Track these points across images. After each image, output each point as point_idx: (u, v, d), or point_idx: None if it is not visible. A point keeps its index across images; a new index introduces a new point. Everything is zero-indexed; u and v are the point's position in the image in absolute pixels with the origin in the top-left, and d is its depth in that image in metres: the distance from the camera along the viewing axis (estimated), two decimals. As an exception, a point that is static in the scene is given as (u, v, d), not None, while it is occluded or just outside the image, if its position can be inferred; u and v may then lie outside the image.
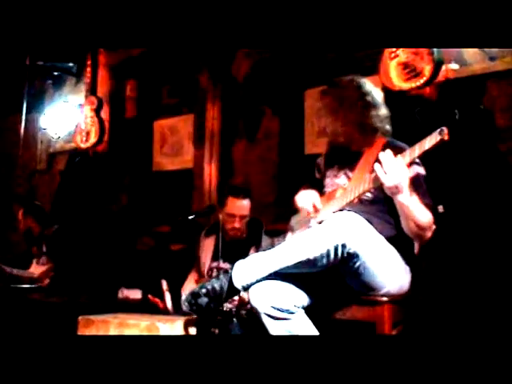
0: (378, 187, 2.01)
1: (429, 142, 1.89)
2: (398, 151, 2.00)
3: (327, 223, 1.94)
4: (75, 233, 4.25)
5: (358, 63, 3.67)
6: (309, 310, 2.01)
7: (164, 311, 3.20)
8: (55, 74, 5.23)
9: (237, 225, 3.11)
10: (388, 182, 1.91)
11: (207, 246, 3.25)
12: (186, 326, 2.57)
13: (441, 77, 3.10)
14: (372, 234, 1.98)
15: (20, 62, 4.74)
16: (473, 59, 3.10)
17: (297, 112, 3.96)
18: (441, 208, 2.92)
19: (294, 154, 3.99)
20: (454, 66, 3.13)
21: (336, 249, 1.87)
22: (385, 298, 2.00)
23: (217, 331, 2.23)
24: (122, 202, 4.96)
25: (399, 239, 2.10)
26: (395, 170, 1.90)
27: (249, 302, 1.96)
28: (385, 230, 2.10)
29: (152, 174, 4.94)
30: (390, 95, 3.30)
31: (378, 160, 1.95)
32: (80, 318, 2.44)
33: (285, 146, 4.09)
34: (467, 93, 3.08)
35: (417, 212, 1.99)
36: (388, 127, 2.28)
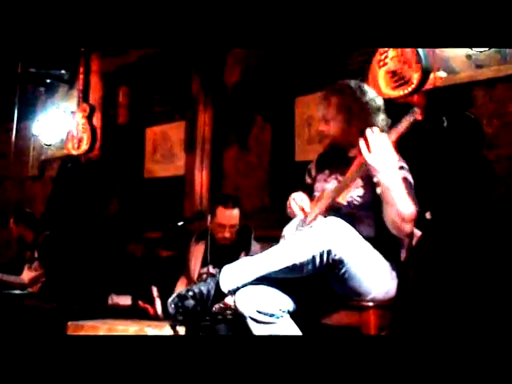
0: (365, 173, 2.05)
1: (403, 124, 1.99)
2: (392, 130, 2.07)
3: (313, 229, 1.96)
4: (66, 239, 4.26)
5: (348, 71, 3.70)
6: (295, 315, 2.03)
7: (154, 317, 3.22)
8: (48, 81, 5.25)
9: (227, 234, 3.13)
10: (371, 158, 1.96)
11: (197, 252, 3.26)
12: (175, 331, 2.58)
13: (429, 85, 3.14)
14: (357, 241, 2.00)
15: (11, 69, 4.75)
16: (460, 67, 3.13)
17: (287, 119, 3.98)
18: (428, 214, 2.96)
19: (284, 160, 4.01)
20: (442, 73, 3.16)
21: (322, 255, 1.89)
22: (370, 304, 2.02)
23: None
24: (114, 208, 4.97)
25: (386, 245, 2.12)
26: (379, 146, 1.94)
27: (232, 307, 1.98)
28: (372, 235, 2.12)
29: (144, 181, 4.95)
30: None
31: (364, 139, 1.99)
32: (69, 323, 2.45)
33: (275, 152, 4.11)
34: (455, 100, 3.12)
35: (400, 199, 1.99)
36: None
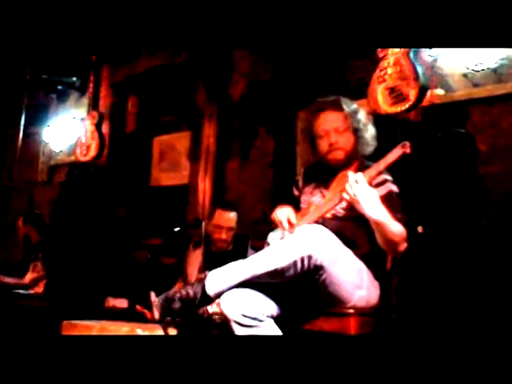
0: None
1: (392, 156, 2.01)
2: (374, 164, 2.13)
3: (294, 235, 2.02)
4: (70, 242, 4.35)
5: (348, 87, 3.78)
6: (278, 320, 2.08)
7: (151, 321, 3.28)
8: (59, 87, 5.37)
9: (223, 236, 3.22)
10: (347, 196, 2.03)
11: (194, 258, 3.34)
12: (165, 329, 2.64)
13: (426, 102, 3.20)
14: (338, 247, 2.06)
15: (21, 75, 4.88)
16: (457, 85, 3.19)
17: (290, 132, 4.06)
18: (420, 229, 3.01)
19: (286, 172, 4.08)
20: (440, 91, 3.23)
21: (302, 260, 1.94)
22: (351, 310, 2.07)
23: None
24: (120, 214, 5.06)
25: (370, 254, 2.18)
26: (355, 185, 2.00)
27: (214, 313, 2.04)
28: (357, 245, 2.18)
29: (149, 189, 5.04)
30: (378, 119, 3.42)
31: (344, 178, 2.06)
32: (64, 322, 2.53)
33: (278, 164, 4.18)
34: (451, 117, 3.17)
35: (389, 227, 2.06)
36: (372, 149, 2.36)
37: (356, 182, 2.01)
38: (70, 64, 5.06)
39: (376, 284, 2.19)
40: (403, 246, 2.14)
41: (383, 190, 2.17)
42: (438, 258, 2.93)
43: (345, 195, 2.06)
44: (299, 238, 1.98)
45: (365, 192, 2.02)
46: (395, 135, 3.23)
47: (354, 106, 2.38)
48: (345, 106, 2.32)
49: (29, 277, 4.19)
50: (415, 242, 2.86)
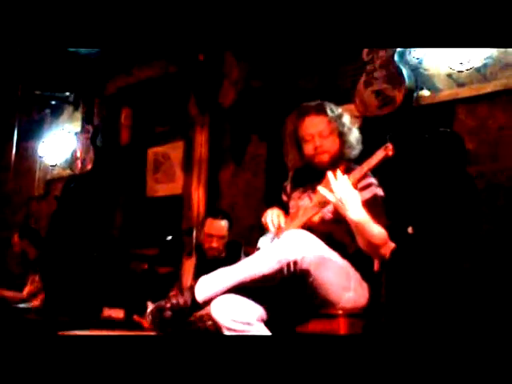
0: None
1: (375, 158, 2.04)
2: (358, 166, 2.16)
3: (280, 241, 2.05)
4: (67, 255, 4.38)
5: (338, 91, 3.81)
6: (269, 324, 2.11)
7: (148, 331, 3.30)
8: (53, 102, 5.42)
9: (214, 244, 3.25)
10: (332, 198, 2.05)
11: (189, 266, 3.37)
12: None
13: (412, 103, 3.24)
14: (324, 251, 2.09)
15: (13, 92, 4.93)
16: (442, 86, 3.22)
17: (282, 139, 4.08)
18: (410, 229, 3.03)
19: (279, 178, 4.09)
20: (426, 92, 3.26)
21: (288, 266, 1.97)
22: (340, 312, 2.09)
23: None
24: (116, 225, 5.09)
25: (357, 256, 2.20)
26: (340, 187, 2.02)
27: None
28: (345, 247, 2.21)
29: (146, 200, 5.08)
30: (366, 121, 3.46)
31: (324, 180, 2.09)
32: (59, 333, 2.55)
33: (271, 171, 4.20)
34: (437, 118, 3.20)
35: (369, 231, 2.09)
36: (357, 152, 2.38)
37: (340, 183, 2.04)
38: (62, 79, 5.10)
39: (364, 285, 2.21)
40: (385, 250, 2.16)
41: (368, 193, 2.21)
42: (428, 259, 2.95)
43: (328, 196, 2.08)
44: (285, 244, 2.01)
45: (348, 193, 2.05)
46: (383, 138, 3.28)
47: (339, 110, 2.42)
48: (328, 111, 2.35)
49: (27, 290, 4.21)
50: (405, 242, 2.89)
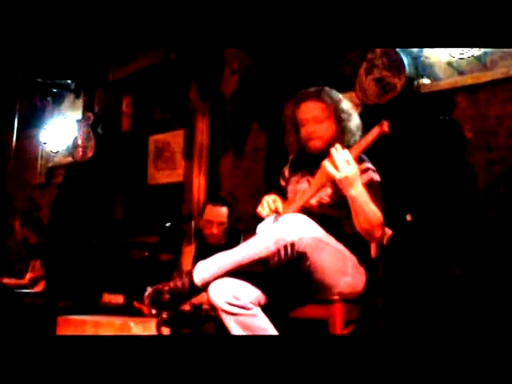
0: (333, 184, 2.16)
1: (371, 135, 2.07)
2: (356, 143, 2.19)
3: (277, 224, 2.07)
4: (69, 242, 4.40)
5: (338, 80, 3.80)
6: (266, 309, 2.12)
7: (147, 316, 3.33)
8: (54, 90, 5.43)
9: (214, 230, 3.26)
10: (337, 174, 2.05)
11: (188, 252, 3.39)
12: (159, 326, 2.70)
13: (413, 91, 3.24)
14: (320, 235, 2.09)
15: (14, 80, 4.94)
16: (443, 74, 3.23)
17: (282, 127, 4.08)
18: (409, 217, 3.04)
19: (279, 167, 4.10)
20: (426, 80, 3.27)
21: (285, 248, 1.98)
22: (337, 297, 2.10)
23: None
24: (118, 213, 5.11)
25: (355, 241, 2.21)
26: (344, 163, 2.03)
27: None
28: (342, 232, 2.22)
29: (147, 187, 5.09)
30: (366, 109, 3.47)
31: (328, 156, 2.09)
32: (59, 317, 2.58)
33: (271, 159, 4.21)
34: (438, 106, 3.21)
35: (367, 208, 2.09)
36: (357, 136, 2.38)
37: (340, 158, 2.05)
38: (64, 67, 5.10)
39: (361, 270, 2.22)
40: (380, 232, 2.17)
41: (365, 177, 2.21)
42: (426, 246, 2.96)
43: (333, 172, 2.08)
44: (282, 227, 2.02)
45: (351, 169, 2.05)
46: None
47: (339, 96, 2.42)
48: (325, 96, 2.36)
49: (28, 276, 4.24)
50: (404, 229, 2.91)
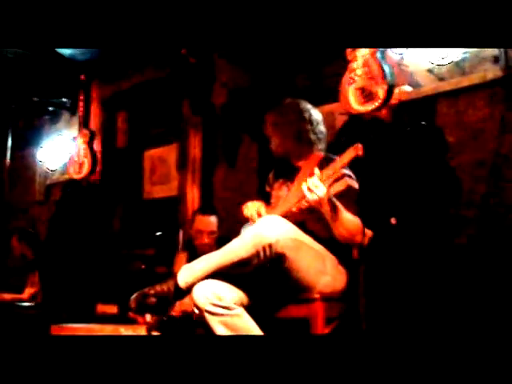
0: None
1: (346, 157, 2.16)
2: (330, 162, 2.24)
3: (255, 226, 2.15)
4: (66, 257, 4.47)
5: (324, 91, 3.90)
6: (250, 309, 2.19)
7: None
8: (51, 109, 5.53)
9: (205, 240, 3.33)
10: (310, 196, 2.15)
11: (181, 260, 3.45)
12: (149, 331, 2.76)
13: (394, 99, 3.32)
14: (298, 235, 2.18)
15: (7, 101, 5.04)
16: (423, 81, 3.31)
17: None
18: (393, 220, 3.11)
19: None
20: (407, 88, 3.35)
21: (264, 249, 2.07)
22: (317, 296, 2.17)
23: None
24: (114, 228, 5.18)
25: (334, 242, 2.29)
26: (313, 188, 2.12)
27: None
28: (322, 234, 2.29)
29: (143, 202, 5.18)
30: (350, 118, 3.56)
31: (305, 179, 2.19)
32: (53, 325, 2.64)
33: (263, 170, 4.28)
34: (419, 112, 3.29)
35: (345, 219, 2.19)
36: (323, 143, 2.49)
37: (313, 186, 2.13)
38: (59, 85, 5.21)
39: (341, 270, 2.29)
40: (360, 237, 2.25)
41: (341, 185, 2.31)
42: (411, 248, 3.03)
43: (307, 194, 2.16)
44: (259, 229, 2.11)
45: (322, 193, 2.14)
46: (367, 133, 3.37)
47: (304, 106, 2.54)
48: (281, 110, 2.54)
49: (27, 292, 4.31)
50: (387, 232, 2.98)
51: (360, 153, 2.12)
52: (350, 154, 2.15)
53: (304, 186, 2.16)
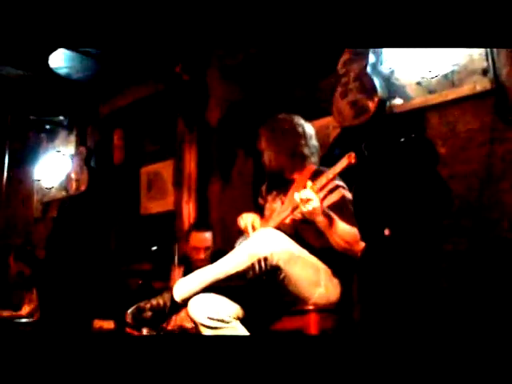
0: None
1: (339, 166, 2.18)
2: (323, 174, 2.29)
3: (250, 240, 2.18)
4: (63, 272, 4.49)
5: (320, 104, 3.95)
6: (245, 322, 2.21)
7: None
8: (48, 127, 5.59)
9: (201, 256, 3.36)
10: (304, 208, 2.18)
11: (177, 274, 3.48)
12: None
13: (386, 112, 3.37)
14: (293, 248, 2.21)
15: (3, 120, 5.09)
16: (414, 93, 3.36)
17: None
18: (387, 231, 3.14)
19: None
20: (398, 100, 3.40)
21: (259, 262, 2.10)
22: (311, 307, 2.20)
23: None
24: (112, 243, 5.21)
25: (328, 254, 2.32)
26: (307, 199, 2.16)
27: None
28: (315, 244, 2.33)
29: (140, 217, 5.21)
30: (343, 131, 3.60)
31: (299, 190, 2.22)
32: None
33: (258, 184, 4.31)
34: (410, 124, 3.33)
35: (340, 229, 2.22)
36: (316, 157, 2.53)
37: (306, 197, 2.17)
38: (56, 103, 5.27)
39: (335, 281, 2.32)
40: (358, 247, 2.28)
41: (335, 196, 2.34)
42: (405, 259, 3.05)
43: (300, 206, 2.20)
44: (254, 242, 2.14)
45: (315, 204, 2.17)
46: (359, 145, 3.41)
47: (297, 121, 2.58)
48: (272, 126, 2.59)
49: (26, 309, 4.32)
50: (380, 243, 3.01)
51: (353, 161, 2.17)
52: (342, 163, 2.20)
53: (297, 198, 2.20)
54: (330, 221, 2.21)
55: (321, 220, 2.21)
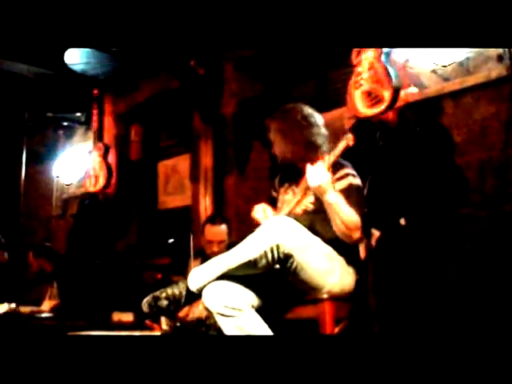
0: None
1: (338, 148, 2.23)
2: (334, 164, 2.29)
3: (262, 227, 2.19)
4: (84, 268, 4.54)
5: (334, 95, 3.95)
6: (260, 311, 2.22)
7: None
8: (65, 124, 5.64)
9: (215, 249, 3.37)
10: (311, 183, 2.21)
11: (194, 267, 3.50)
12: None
13: (401, 101, 3.35)
14: (305, 236, 2.21)
15: (21, 117, 5.14)
16: (428, 82, 3.34)
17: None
18: (403, 221, 3.13)
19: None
20: (413, 89, 3.38)
21: (272, 250, 2.10)
22: (325, 296, 2.20)
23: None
24: (131, 238, 5.26)
25: (342, 243, 2.32)
26: (316, 174, 2.17)
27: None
28: (329, 235, 2.33)
29: (157, 212, 5.25)
30: (358, 121, 3.59)
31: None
32: (69, 333, 2.71)
33: (274, 176, 4.32)
34: (426, 113, 3.31)
35: (343, 212, 2.23)
36: (327, 145, 2.53)
37: (313, 170, 2.19)
38: (73, 100, 5.32)
39: (350, 271, 2.32)
40: (358, 235, 2.28)
41: (344, 183, 2.34)
42: (420, 248, 3.04)
43: (310, 181, 2.22)
44: (267, 230, 2.15)
45: (323, 178, 2.19)
46: (375, 135, 3.40)
47: (308, 111, 2.57)
48: (282, 115, 2.57)
49: (47, 305, 4.37)
50: (396, 232, 3.00)
51: (351, 143, 2.22)
52: (341, 146, 2.25)
53: (308, 172, 2.23)
54: (337, 201, 2.22)
55: (328, 198, 2.22)
